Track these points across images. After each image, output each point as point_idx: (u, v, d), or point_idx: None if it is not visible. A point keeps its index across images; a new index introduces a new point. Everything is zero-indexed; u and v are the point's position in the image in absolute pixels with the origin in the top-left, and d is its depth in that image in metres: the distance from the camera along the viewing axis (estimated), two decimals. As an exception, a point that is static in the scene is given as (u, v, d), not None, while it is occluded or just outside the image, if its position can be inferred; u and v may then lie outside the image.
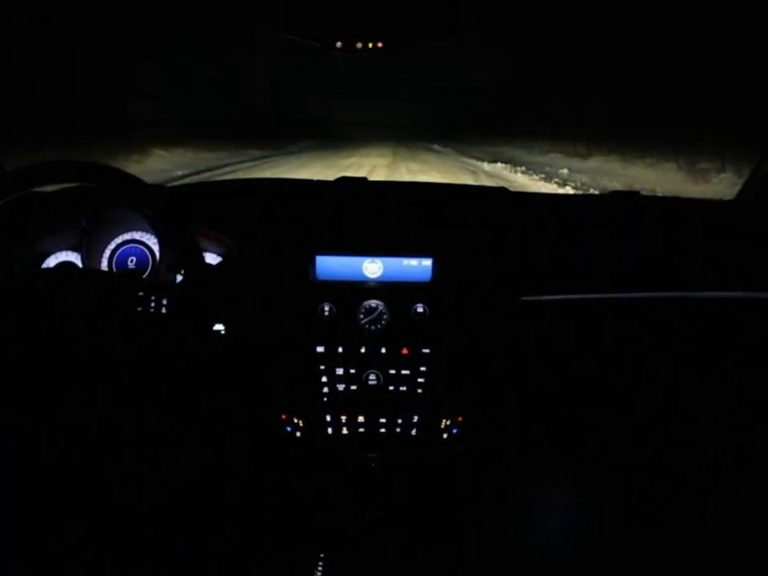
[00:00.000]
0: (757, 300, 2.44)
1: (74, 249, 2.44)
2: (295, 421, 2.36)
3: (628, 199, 2.66)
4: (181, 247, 1.99)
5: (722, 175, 13.55)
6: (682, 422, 2.74)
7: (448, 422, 2.37)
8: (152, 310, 1.94)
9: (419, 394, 2.33)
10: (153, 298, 1.95)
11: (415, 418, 2.33)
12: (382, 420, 2.33)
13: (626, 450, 2.80)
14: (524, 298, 2.40)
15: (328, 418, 2.33)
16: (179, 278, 2.15)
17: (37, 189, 2.07)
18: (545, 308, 2.41)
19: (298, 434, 2.37)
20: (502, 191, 2.73)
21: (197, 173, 18.50)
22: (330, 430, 2.34)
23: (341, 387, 2.32)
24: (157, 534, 2.59)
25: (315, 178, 2.82)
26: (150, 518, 2.62)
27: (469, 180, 18.50)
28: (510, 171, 21.93)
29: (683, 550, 2.66)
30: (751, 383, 2.60)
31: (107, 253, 2.46)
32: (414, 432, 2.34)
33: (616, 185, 16.08)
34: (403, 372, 2.32)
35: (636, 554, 2.66)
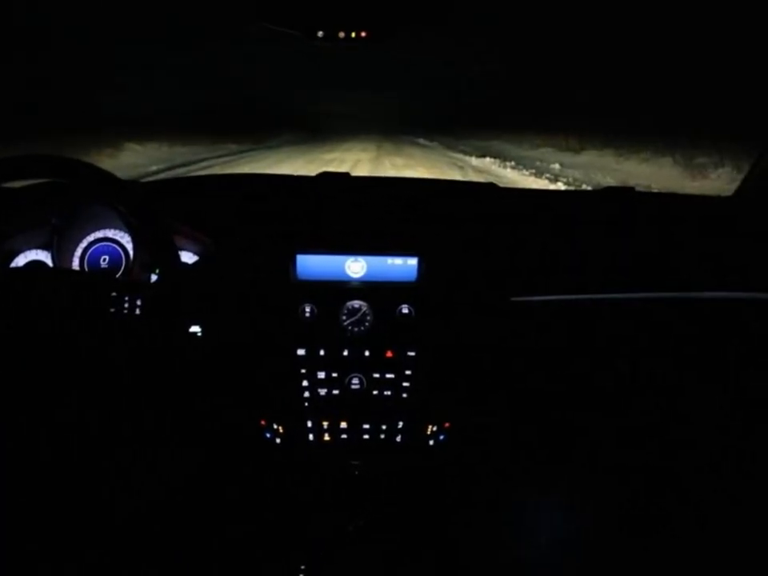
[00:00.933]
0: (756, 300, 2.45)
1: (44, 247, 2.43)
2: (275, 427, 2.36)
3: (622, 195, 2.66)
4: (155, 245, 1.99)
5: (720, 170, 13.61)
6: (678, 426, 2.75)
7: (434, 428, 2.37)
8: (125, 311, 1.94)
9: (404, 398, 2.33)
10: (126, 298, 1.95)
11: (400, 424, 2.33)
12: (366, 426, 2.33)
13: (620, 455, 2.81)
14: (514, 299, 2.40)
15: (309, 424, 2.33)
16: (154, 277, 2.15)
17: (5, 185, 2.06)
18: (535, 309, 2.41)
19: (278, 440, 2.37)
20: (490, 187, 2.73)
21: (172, 168, 18.47)
22: (311, 437, 2.33)
23: (322, 392, 2.32)
24: (125, 547, 2.58)
25: (296, 173, 2.82)
26: (117, 531, 2.61)
27: (456, 175, 18.53)
28: (499, 166, 21.97)
29: (680, 558, 2.66)
30: (749, 386, 2.61)
31: (79, 251, 2.45)
32: (398, 438, 2.34)
33: (610, 180, 16.10)
34: (387, 376, 2.32)
35: (631, 562, 2.66)
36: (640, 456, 2.81)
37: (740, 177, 2.82)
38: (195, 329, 2.31)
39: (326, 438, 2.33)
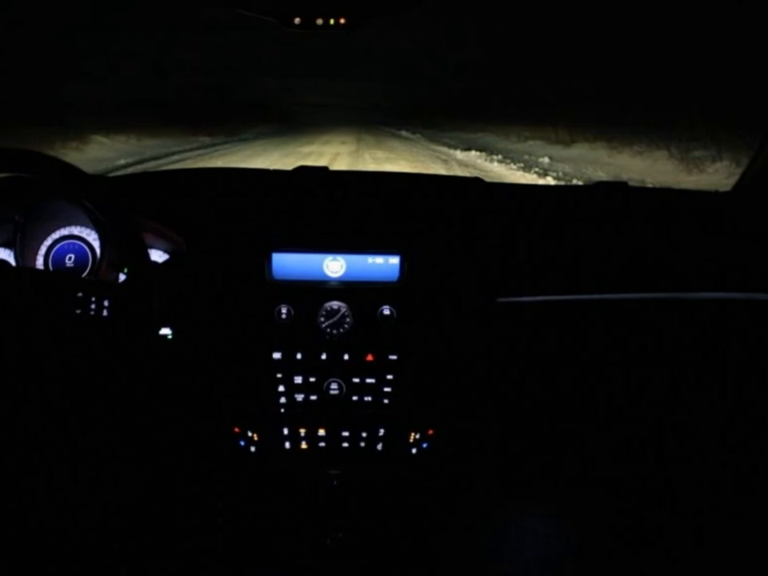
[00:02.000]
0: (756, 302, 2.45)
1: (6, 245, 2.41)
2: (249, 434, 2.36)
3: (615, 190, 2.66)
4: (124, 243, 1.99)
5: (718, 164, 13.66)
6: (676, 436, 2.75)
7: (417, 436, 2.37)
8: (92, 313, 1.93)
9: (385, 404, 2.33)
10: (93, 299, 1.94)
11: (381, 432, 2.34)
12: (345, 433, 2.33)
13: (614, 467, 2.81)
14: (501, 300, 2.40)
15: (285, 432, 2.33)
16: (122, 277, 2.14)
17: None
18: (524, 310, 2.41)
19: (253, 448, 2.36)
20: (476, 182, 2.73)
21: (141, 162, 18.44)
22: (287, 445, 2.34)
23: (299, 397, 2.31)
24: (90, 563, 2.57)
25: (271, 168, 2.82)
26: (84, 546, 2.60)
27: (440, 169, 18.57)
28: (486, 160, 21.98)
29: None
30: (750, 392, 2.62)
31: (43, 250, 2.44)
32: (379, 447, 2.34)
33: (601, 175, 16.16)
34: (368, 381, 2.32)
35: None
36: (633, 467, 2.81)
37: (738, 171, 2.84)
38: (165, 331, 2.31)
39: (303, 446, 2.33)
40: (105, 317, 1.93)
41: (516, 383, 2.55)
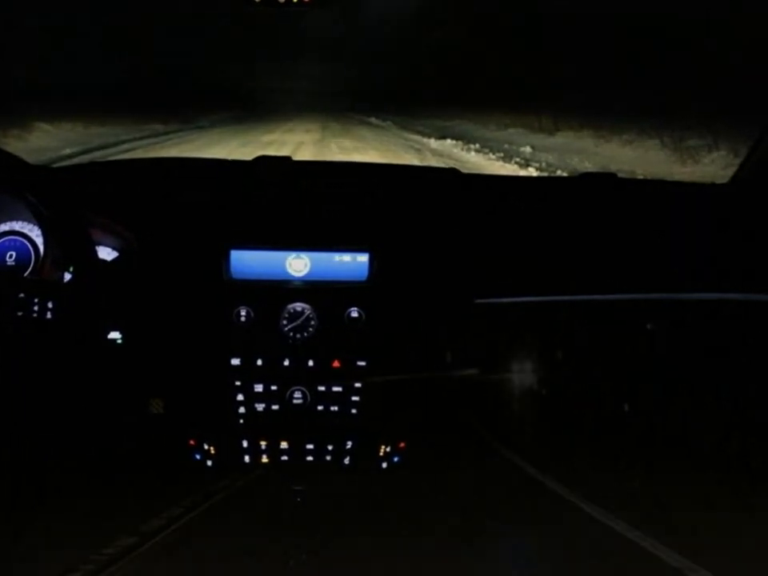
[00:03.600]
0: (755, 302, 2.46)
1: (-59, 243, 2.40)
2: (205, 447, 2.34)
3: (602, 182, 2.66)
4: (69, 240, 1.98)
5: (714, 154, 13.62)
6: (670, 446, 2.76)
7: (387, 449, 2.36)
8: (35, 315, 1.92)
9: (353, 415, 2.31)
10: (36, 300, 1.93)
11: (348, 444, 2.32)
12: (309, 446, 2.31)
13: (604, 479, 2.81)
14: (478, 300, 2.40)
15: (245, 444, 2.31)
16: (67, 276, 2.13)
17: None
18: (503, 312, 2.41)
19: (209, 462, 2.35)
20: (452, 173, 2.73)
21: (88, 151, 18.21)
22: (246, 458, 2.32)
23: (260, 407, 2.30)
24: None
25: (230, 158, 2.81)
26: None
27: (413, 160, 18.43)
28: (462, 149, 21.83)
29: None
30: (749, 399, 2.62)
31: (-19, 247, 2.43)
32: (347, 461, 2.33)
33: (588, 165, 16.07)
34: (334, 389, 2.30)
35: None
36: (629, 483, 2.81)
37: (737, 161, 2.83)
38: (114, 335, 2.29)
39: (264, 459, 2.32)
40: (49, 319, 1.93)
41: (496, 390, 2.55)
